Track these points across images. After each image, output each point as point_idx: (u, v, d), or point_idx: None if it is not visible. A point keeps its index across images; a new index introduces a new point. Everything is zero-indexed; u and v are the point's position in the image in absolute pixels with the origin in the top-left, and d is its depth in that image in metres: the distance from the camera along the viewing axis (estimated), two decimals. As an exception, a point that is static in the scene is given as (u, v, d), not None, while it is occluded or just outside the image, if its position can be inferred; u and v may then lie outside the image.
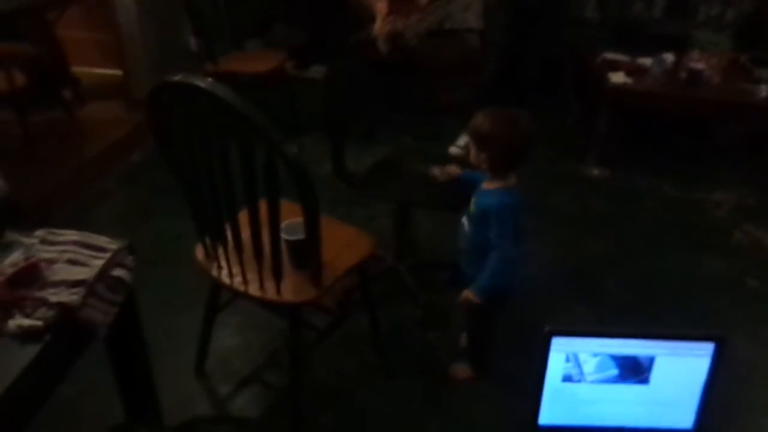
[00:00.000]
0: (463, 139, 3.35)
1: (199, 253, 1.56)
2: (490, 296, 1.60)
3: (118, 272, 1.05)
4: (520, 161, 1.54)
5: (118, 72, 3.46)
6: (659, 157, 3.45)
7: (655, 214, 2.89)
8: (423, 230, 2.49)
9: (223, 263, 1.51)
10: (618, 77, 3.15)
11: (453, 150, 3.33)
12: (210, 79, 1.12)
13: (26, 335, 0.90)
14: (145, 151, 3.16)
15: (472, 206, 1.59)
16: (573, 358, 0.99)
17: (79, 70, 3.41)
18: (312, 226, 1.33)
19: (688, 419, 1.03)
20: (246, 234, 1.39)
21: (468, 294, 1.61)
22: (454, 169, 1.77)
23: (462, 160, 1.81)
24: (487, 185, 1.58)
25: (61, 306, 0.95)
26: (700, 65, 3.16)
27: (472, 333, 1.82)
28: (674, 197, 3.04)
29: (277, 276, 1.42)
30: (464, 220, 1.65)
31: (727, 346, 0.95)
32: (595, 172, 3.23)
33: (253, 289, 1.47)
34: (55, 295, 0.95)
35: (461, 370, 1.85)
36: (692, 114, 3.41)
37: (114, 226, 2.56)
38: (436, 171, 1.81)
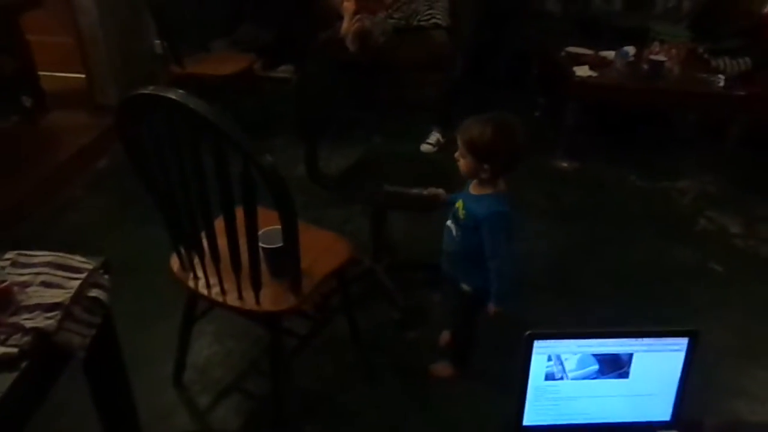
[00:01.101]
0: (434, 136, 3.36)
1: (174, 263, 1.52)
2: (481, 297, 1.60)
3: (94, 293, 1.02)
4: (513, 167, 1.51)
5: (80, 76, 3.37)
6: (625, 147, 3.51)
7: (623, 204, 2.94)
8: (399, 230, 2.49)
9: (200, 273, 1.48)
10: (583, 71, 3.19)
11: (425, 147, 3.35)
12: (181, 91, 1.09)
13: (1, 363, 0.87)
14: (113, 157, 3.08)
15: (460, 211, 1.57)
16: (555, 357, 1.00)
17: (40, 74, 3.31)
18: (290, 235, 1.32)
19: (666, 411, 1.06)
20: (222, 242, 1.37)
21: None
22: (442, 192, 1.74)
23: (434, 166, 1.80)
24: (476, 190, 1.55)
25: (36, 331, 0.92)
26: (660, 57, 3.22)
27: (456, 331, 1.83)
28: (641, 187, 3.10)
29: (256, 285, 1.40)
30: (450, 223, 1.63)
31: (700, 340, 0.98)
32: (565, 164, 3.27)
33: (232, 300, 1.44)
34: (30, 321, 0.92)
35: (443, 368, 1.85)
36: (655, 105, 3.48)
37: (84, 235, 2.50)
38: (423, 192, 1.76)
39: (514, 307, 1.61)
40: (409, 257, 2.38)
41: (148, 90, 1.11)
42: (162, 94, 1.09)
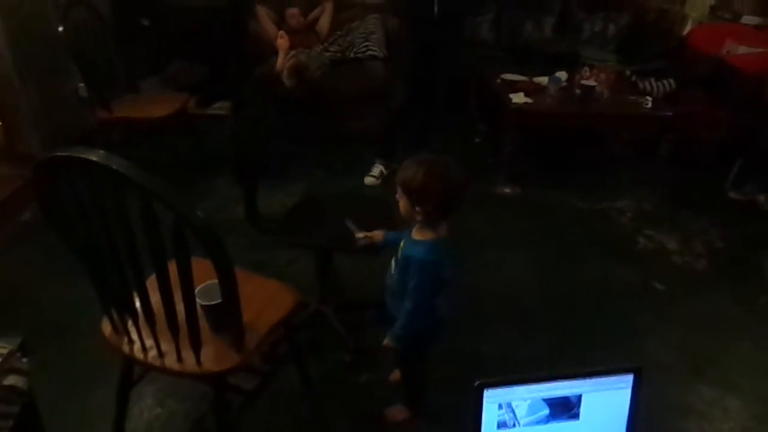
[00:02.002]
0: (377, 168, 3.38)
1: (106, 327, 1.45)
2: (411, 342, 1.60)
3: (10, 380, 0.95)
4: (453, 210, 1.50)
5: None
6: (565, 170, 3.63)
7: (567, 227, 3.03)
8: (345, 269, 2.47)
9: (134, 337, 1.42)
10: (518, 98, 3.29)
11: (368, 180, 3.35)
12: (102, 152, 1.05)
13: None
14: (36, 209, 2.94)
15: (399, 250, 1.58)
16: (506, 405, 1.00)
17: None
18: (229, 292, 1.28)
19: (619, 446, 1.07)
20: (157, 301, 1.32)
21: (387, 342, 1.60)
22: (377, 234, 1.73)
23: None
24: (416, 234, 1.55)
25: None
26: (590, 82, 3.37)
27: (404, 375, 1.81)
28: (582, 208, 3.20)
29: (196, 345, 1.35)
30: (393, 260, 1.64)
31: (642, 377, 1.00)
32: (507, 190, 3.34)
33: (170, 362, 1.38)
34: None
35: (398, 411, 1.83)
36: (589, 127, 3.62)
37: (7, 294, 2.35)
38: (359, 236, 1.76)
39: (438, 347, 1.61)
40: (358, 296, 2.37)
41: (66, 152, 1.06)
42: (82, 156, 1.05)
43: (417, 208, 1.47)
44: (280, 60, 3.50)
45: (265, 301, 1.56)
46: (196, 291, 1.35)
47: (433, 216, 1.49)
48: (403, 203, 1.50)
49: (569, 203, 3.25)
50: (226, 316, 1.36)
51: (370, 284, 2.39)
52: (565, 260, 2.72)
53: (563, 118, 3.34)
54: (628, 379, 1.02)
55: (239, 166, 1.88)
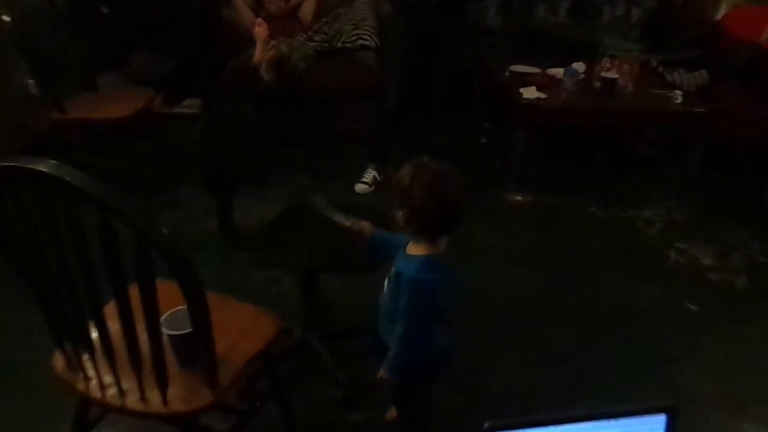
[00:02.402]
0: (370, 174, 3.38)
1: (58, 362, 1.44)
2: (406, 374, 1.59)
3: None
4: (443, 227, 1.49)
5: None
6: (583, 175, 3.65)
7: (585, 239, 3.04)
8: (333, 291, 2.46)
9: (91, 372, 1.41)
10: (530, 92, 3.31)
11: (360, 187, 3.36)
12: (53, 162, 1.05)
13: None
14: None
15: (393, 266, 1.58)
16: (519, 448, 1.00)
17: None
18: (199, 320, 1.27)
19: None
20: (117, 330, 1.31)
21: (381, 374, 1.59)
22: (367, 225, 1.73)
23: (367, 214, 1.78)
24: (411, 247, 1.55)
25: None
26: (612, 74, 3.40)
27: (400, 413, 1.80)
28: (603, 218, 3.22)
29: (162, 382, 1.34)
30: (386, 279, 1.63)
31: (678, 416, 0.99)
32: (518, 197, 3.36)
33: (133, 402, 1.37)
34: None
35: (395, 455, 1.82)
36: (610, 126, 3.65)
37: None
38: (347, 223, 1.75)
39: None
40: (349, 321, 2.36)
41: (11, 162, 1.06)
42: (29, 166, 1.05)
43: (399, 213, 1.49)
44: (257, 51, 3.51)
45: (242, 329, 1.55)
46: (162, 319, 1.34)
47: (415, 226, 1.50)
48: (398, 215, 1.51)
49: (589, 212, 3.26)
50: (197, 348, 1.36)
51: (362, 307, 2.37)
52: (585, 278, 2.72)
53: (581, 115, 3.36)
54: (660, 420, 1.00)
55: (211, 173, 1.87)
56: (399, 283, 1.50)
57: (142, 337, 1.30)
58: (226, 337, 1.45)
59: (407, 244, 1.57)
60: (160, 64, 4.11)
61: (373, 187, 3.36)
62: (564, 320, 2.45)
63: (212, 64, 3.78)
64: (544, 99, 3.28)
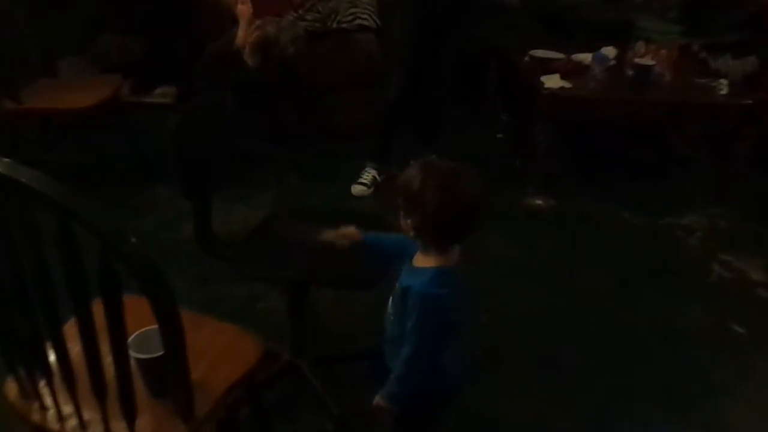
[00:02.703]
0: (368, 174, 3.40)
1: (11, 389, 1.44)
2: (409, 403, 1.59)
3: None
4: (459, 235, 1.49)
5: None
6: (614, 176, 3.65)
7: (616, 250, 3.04)
8: (326, 309, 2.47)
9: (48, 401, 1.41)
10: (553, 81, 3.32)
11: (357, 189, 3.37)
12: (5, 159, 1.06)
13: None
14: None
15: (397, 282, 1.58)
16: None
17: None
18: (173, 340, 1.27)
19: None
20: (78, 353, 1.31)
21: (378, 400, 1.58)
22: (351, 232, 1.73)
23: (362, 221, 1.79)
24: (419, 259, 1.54)
25: None
26: (647, 60, 3.41)
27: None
28: (637, 226, 3.22)
29: (129, 413, 1.34)
30: (391, 297, 1.63)
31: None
32: (539, 202, 3.36)
33: (95, 435, 1.37)
34: None
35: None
36: (645, 120, 3.65)
37: None
38: (329, 236, 1.75)
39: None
40: (344, 344, 2.37)
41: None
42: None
43: (408, 221, 1.49)
44: (240, 32, 3.52)
45: (221, 352, 1.56)
46: (130, 340, 1.34)
47: (426, 235, 1.50)
48: (405, 223, 1.51)
49: (620, 219, 3.27)
50: (169, 374, 1.36)
51: (360, 328, 2.39)
52: (615, 295, 2.73)
53: (611, 107, 3.37)
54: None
55: (186, 172, 1.88)
56: (406, 299, 1.50)
57: (107, 360, 1.30)
58: (203, 361, 1.45)
59: (413, 256, 1.57)
60: (130, 47, 4.12)
61: (372, 189, 3.37)
62: (590, 343, 2.45)
63: (189, 46, 3.80)
64: (569, 89, 3.29)
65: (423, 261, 1.53)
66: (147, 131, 3.47)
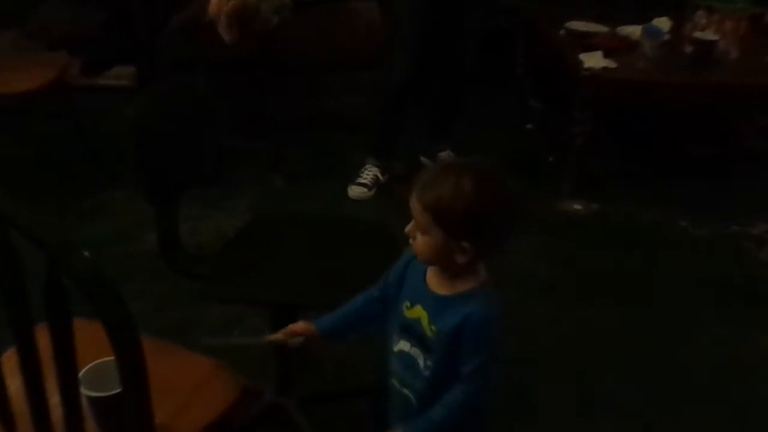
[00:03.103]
0: (369, 172, 3.41)
1: (-63, 432, 1.45)
2: None
3: None
4: (504, 242, 1.52)
5: None
6: (667, 176, 3.66)
7: (671, 265, 3.05)
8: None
9: (-18, 447, 1.42)
10: (594, 60, 3.32)
11: (355, 191, 3.38)
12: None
13: None
14: None
15: (427, 327, 1.55)
16: None
17: None
18: (132, 375, 1.28)
19: None
20: (17, 388, 1.32)
21: None
22: (301, 327, 1.72)
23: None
24: (445, 286, 1.54)
25: None
26: (709, 34, 3.42)
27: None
28: (696, 237, 3.23)
29: (79, 462, 1.36)
30: (410, 348, 1.60)
31: None
32: (576, 206, 3.38)
33: (38, 489, 1.38)
34: None
35: None
36: (706, 108, 3.66)
37: None
38: (274, 338, 1.75)
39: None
40: (339, 379, 2.38)
41: None
42: None
43: (465, 245, 1.47)
44: (213, 1, 3.53)
45: (192, 389, 1.57)
46: (81, 374, 1.35)
47: (480, 255, 1.50)
48: (429, 241, 1.48)
49: (675, 228, 3.28)
50: (128, 415, 1.37)
51: (359, 360, 2.40)
52: (666, 320, 2.73)
53: (665, 91, 3.37)
54: None
55: (148, 170, 1.89)
56: (457, 340, 1.50)
57: (54, 400, 1.31)
58: (169, 400, 1.46)
59: (423, 283, 1.57)
60: (78, 20, 4.13)
61: (373, 191, 3.39)
62: (638, 378, 2.46)
63: (151, 18, 3.80)
64: (614, 69, 3.30)
65: (452, 286, 1.53)
66: (100, 120, 3.48)
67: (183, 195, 2.05)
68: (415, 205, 1.48)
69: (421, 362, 1.59)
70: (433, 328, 1.54)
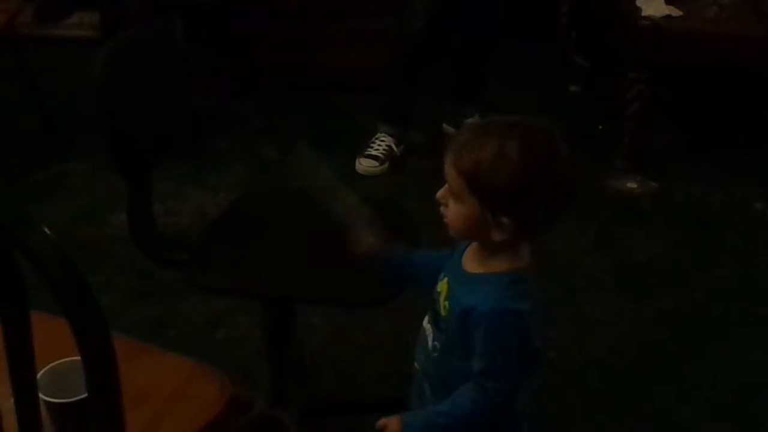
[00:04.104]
0: (382, 142, 3.40)
1: None
2: None
3: None
4: (556, 219, 1.55)
5: None
6: (741, 150, 3.65)
7: (744, 256, 3.05)
8: (319, 338, 2.51)
9: None
10: (654, 6, 3.30)
11: (364, 164, 3.38)
12: None
13: None
14: None
15: (442, 300, 1.59)
16: None
17: None
18: (100, 378, 1.30)
19: None
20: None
21: (393, 423, 1.60)
22: (375, 241, 1.72)
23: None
24: (475, 264, 1.56)
25: None
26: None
27: None
28: (775, 222, 3.24)
29: (37, 480, 1.38)
30: (426, 322, 1.65)
31: None
32: (631, 185, 3.38)
33: None
34: None
35: None
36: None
37: None
38: (368, 234, 1.71)
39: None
40: (342, 389, 2.40)
41: None
42: None
43: (504, 220, 1.48)
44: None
45: (170, 396, 1.58)
46: (39, 377, 1.37)
47: (530, 232, 1.53)
48: (462, 210, 1.50)
49: (751, 212, 3.29)
50: (96, 425, 1.38)
51: (366, 367, 2.42)
52: (739, 321, 2.73)
53: (741, 48, 3.36)
54: None
55: (117, 138, 1.91)
56: (467, 326, 1.52)
57: (6, 405, 1.33)
58: (144, 408, 1.47)
59: (461, 256, 1.60)
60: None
61: (387, 165, 3.40)
62: (699, 391, 2.47)
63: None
64: (679, 19, 3.29)
65: (483, 264, 1.55)
66: (57, 78, 3.50)
67: (157, 167, 2.05)
68: (449, 168, 1.49)
69: (429, 341, 1.63)
70: (446, 305, 1.57)
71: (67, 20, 4.15)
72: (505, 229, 1.47)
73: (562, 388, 2.41)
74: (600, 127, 3.67)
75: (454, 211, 1.51)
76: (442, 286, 1.61)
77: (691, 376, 2.54)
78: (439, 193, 1.53)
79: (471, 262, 1.57)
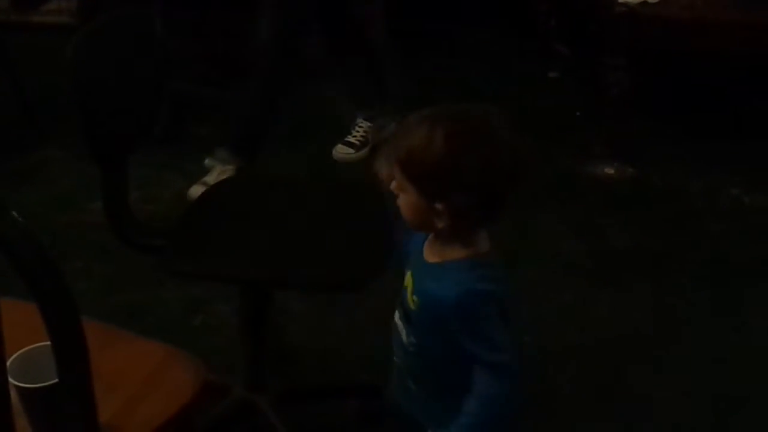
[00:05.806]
0: (360, 128, 3.39)
1: None
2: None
3: None
4: (499, 209, 1.52)
5: None
6: (718, 136, 3.63)
7: (720, 241, 3.05)
8: (298, 322, 2.50)
9: None
10: (631, -6, 3.32)
11: (341, 151, 3.37)
12: None
13: None
14: None
15: (410, 295, 1.59)
16: None
17: None
18: (72, 363, 1.29)
19: None
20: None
21: None
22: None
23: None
24: (434, 253, 1.57)
25: None
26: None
27: None
28: (751, 208, 3.24)
29: (8, 466, 1.37)
30: (397, 317, 1.64)
31: None
32: (609, 171, 3.38)
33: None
34: None
35: None
36: (767, 54, 3.64)
37: None
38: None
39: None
40: (320, 374, 2.40)
41: None
42: None
43: (438, 206, 1.48)
44: None
45: (143, 380, 1.57)
46: (9, 362, 1.35)
47: (467, 219, 1.51)
48: (407, 199, 1.52)
49: (727, 197, 3.28)
50: (67, 411, 1.37)
51: (344, 351, 2.42)
52: (717, 308, 2.74)
53: (716, 33, 3.36)
54: None
55: (93, 123, 1.89)
56: (439, 316, 1.52)
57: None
58: (117, 394, 1.47)
59: (421, 248, 1.59)
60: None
61: (363, 152, 3.40)
62: (680, 375, 2.47)
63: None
64: (655, 4, 3.29)
65: (441, 254, 1.55)
66: (34, 64, 3.48)
67: (134, 153, 2.04)
68: (390, 159, 1.51)
69: (404, 337, 1.63)
70: (415, 298, 1.57)
71: (45, 6, 4.14)
72: (441, 215, 1.48)
73: (540, 369, 2.41)
74: (578, 113, 3.66)
75: (402, 201, 1.52)
76: (407, 280, 1.61)
77: (668, 360, 2.54)
78: (392, 186, 1.53)
79: (429, 252, 1.58)
